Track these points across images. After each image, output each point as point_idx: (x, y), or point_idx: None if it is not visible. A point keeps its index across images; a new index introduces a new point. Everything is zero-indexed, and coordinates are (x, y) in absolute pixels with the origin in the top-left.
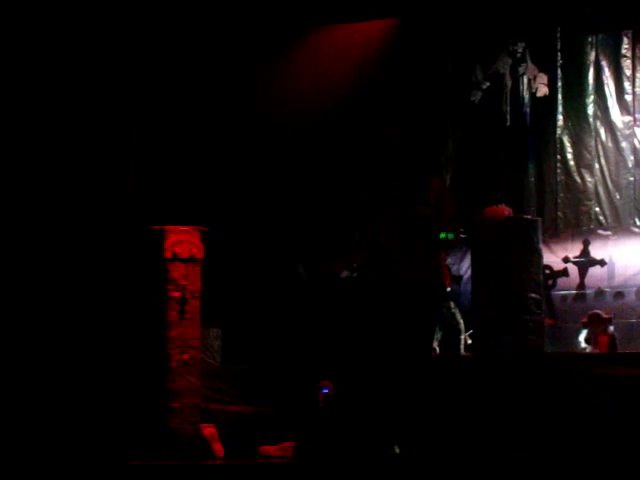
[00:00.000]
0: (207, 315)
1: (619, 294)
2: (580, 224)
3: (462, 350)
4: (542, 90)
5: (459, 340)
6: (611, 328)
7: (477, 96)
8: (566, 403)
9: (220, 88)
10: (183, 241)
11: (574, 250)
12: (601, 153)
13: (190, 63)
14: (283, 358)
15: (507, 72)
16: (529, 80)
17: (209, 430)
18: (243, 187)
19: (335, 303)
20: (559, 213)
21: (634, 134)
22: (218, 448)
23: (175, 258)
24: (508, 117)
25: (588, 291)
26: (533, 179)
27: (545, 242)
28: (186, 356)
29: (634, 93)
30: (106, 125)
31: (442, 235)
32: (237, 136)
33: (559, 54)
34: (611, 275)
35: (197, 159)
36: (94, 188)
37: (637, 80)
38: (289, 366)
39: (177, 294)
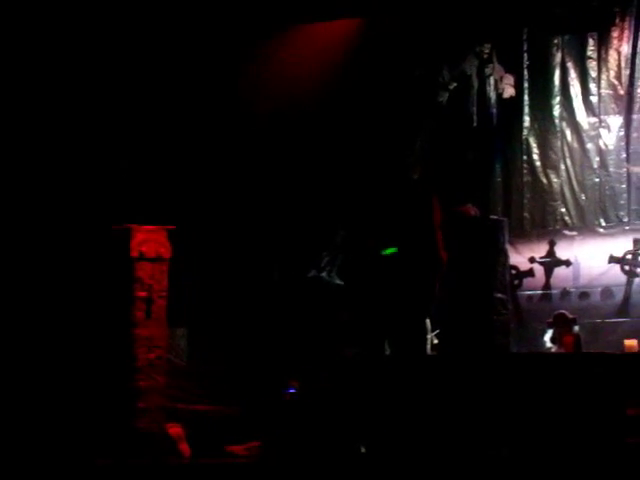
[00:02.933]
0: (173, 314)
1: (584, 294)
2: (546, 224)
3: (428, 349)
4: (508, 91)
5: (425, 339)
6: (576, 328)
7: (444, 97)
8: (531, 402)
9: (192, 85)
10: (150, 240)
11: (540, 250)
12: (567, 154)
13: (162, 61)
14: (249, 358)
15: (474, 73)
16: (496, 81)
17: (175, 430)
18: (211, 185)
19: (302, 303)
20: (525, 213)
21: (599, 135)
22: (184, 448)
23: (141, 257)
24: (475, 118)
25: (554, 291)
26: (499, 179)
27: (511, 242)
28: (152, 355)
29: (599, 95)
30: (70, 123)
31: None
32: (206, 133)
33: (525, 55)
34: (576, 275)
35: (165, 156)
36: (60, 186)
37: (602, 82)
38: (255, 366)
39: (143, 293)
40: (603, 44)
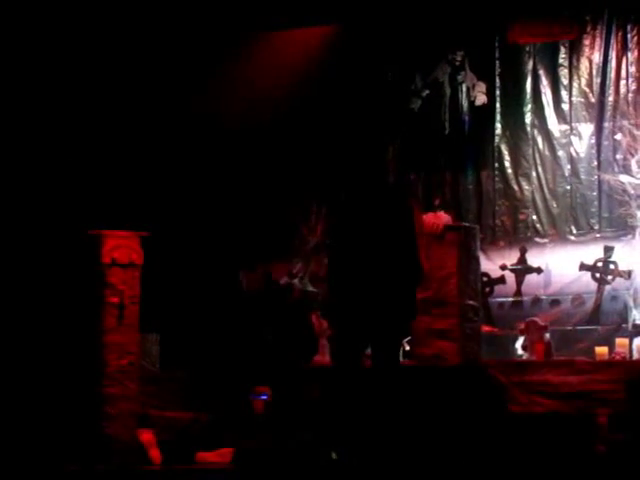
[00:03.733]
0: (145, 320)
1: (555, 301)
2: (517, 232)
3: (400, 357)
4: (480, 98)
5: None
6: (547, 335)
7: (417, 104)
8: (499, 410)
9: (162, 90)
10: (122, 246)
11: (511, 258)
12: (538, 161)
13: (132, 65)
14: (222, 364)
15: (446, 80)
16: (468, 88)
17: (147, 436)
18: (183, 192)
19: (274, 310)
20: (497, 221)
21: (571, 143)
22: (155, 454)
23: (114, 263)
24: (447, 125)
25: (525, 298)
26: (471, 187)
27: (483, 249)
28: (124, 362)
29: (571, 102)
30: (42, 127)
31: None
32: (178, 139)
33: (497, 63)
34: (547, 283)
35: (137, 163)
36: (32, 192)
37: (574, 89)
38: (228, 372)
39: (115, 299)
40: (575, 52)
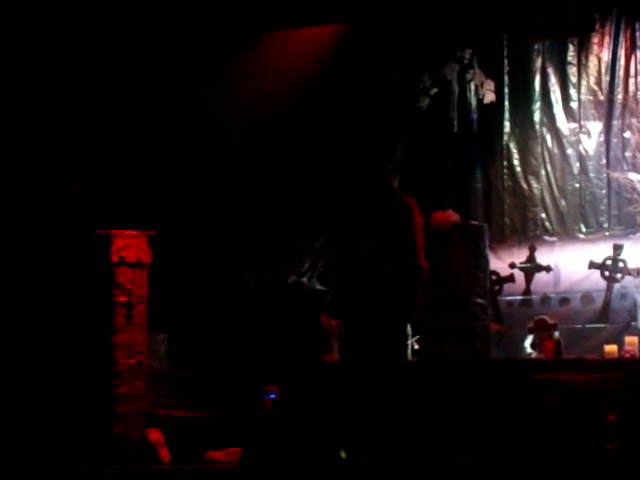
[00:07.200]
0: (154, 320)
1: (564, 300)
2: (526, 230)
3: (409, 355)
4: (489, 97)
5: (406, 345)
6: (556, 334)
7: (425, 102)
8: (511, 408)
9: (171, 91)
10: (130, 245)
11: (520, 256)
12: (547, 160)
13: (140, 65)
14: (230, 363)
15: (454, 78)
16: (476, 87)
17: (155, 435)
18: (191, 191)
19: (282, 308)
20: (506, 219)
21: (580, 141)
22: (164, 453)
23: (122, 262)
24: (455, 123)
25: (534, 297)
26: (480, 185)
27: (492, 248)
28: (132, 361)
29: (580, 100)
30: (51, 127)
31: None
32: (186, 139)
33: (506, 61)
34: (557, 281)
35: (145, 162)
36: (40, 191)
37: (582, 87)
38: (236, 371)
39: (124, 299)
40: (583, 50)
